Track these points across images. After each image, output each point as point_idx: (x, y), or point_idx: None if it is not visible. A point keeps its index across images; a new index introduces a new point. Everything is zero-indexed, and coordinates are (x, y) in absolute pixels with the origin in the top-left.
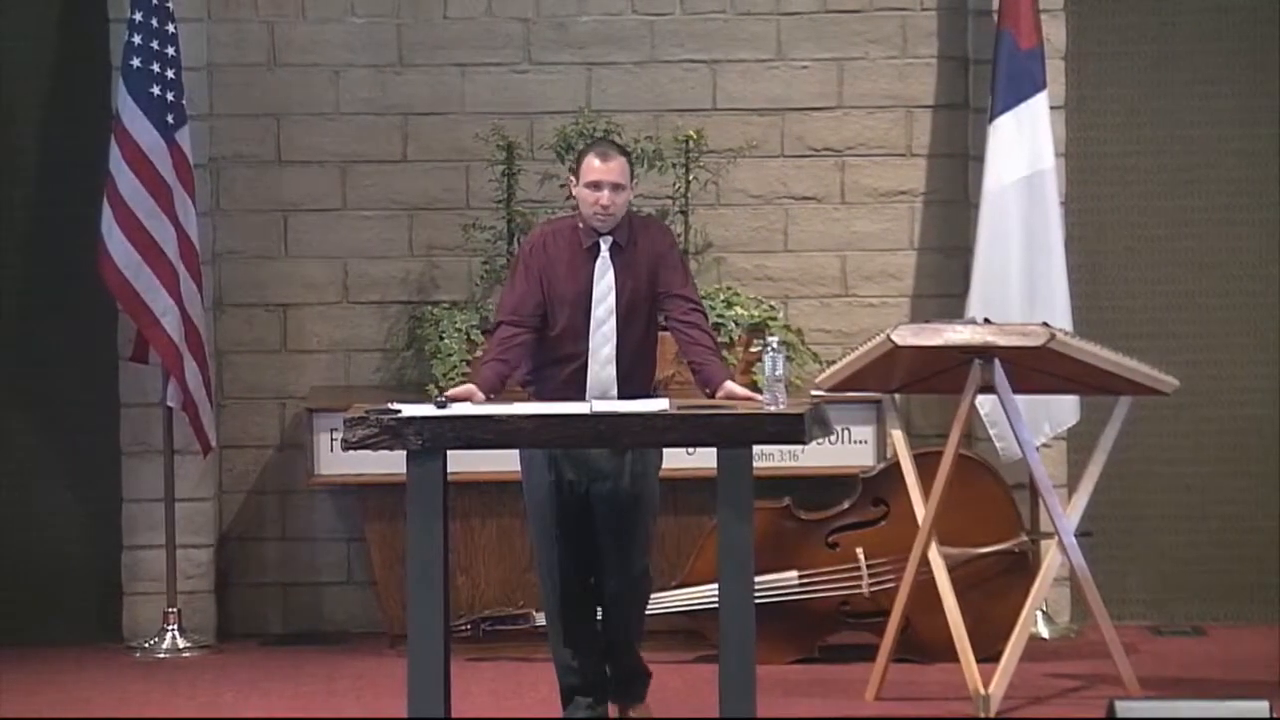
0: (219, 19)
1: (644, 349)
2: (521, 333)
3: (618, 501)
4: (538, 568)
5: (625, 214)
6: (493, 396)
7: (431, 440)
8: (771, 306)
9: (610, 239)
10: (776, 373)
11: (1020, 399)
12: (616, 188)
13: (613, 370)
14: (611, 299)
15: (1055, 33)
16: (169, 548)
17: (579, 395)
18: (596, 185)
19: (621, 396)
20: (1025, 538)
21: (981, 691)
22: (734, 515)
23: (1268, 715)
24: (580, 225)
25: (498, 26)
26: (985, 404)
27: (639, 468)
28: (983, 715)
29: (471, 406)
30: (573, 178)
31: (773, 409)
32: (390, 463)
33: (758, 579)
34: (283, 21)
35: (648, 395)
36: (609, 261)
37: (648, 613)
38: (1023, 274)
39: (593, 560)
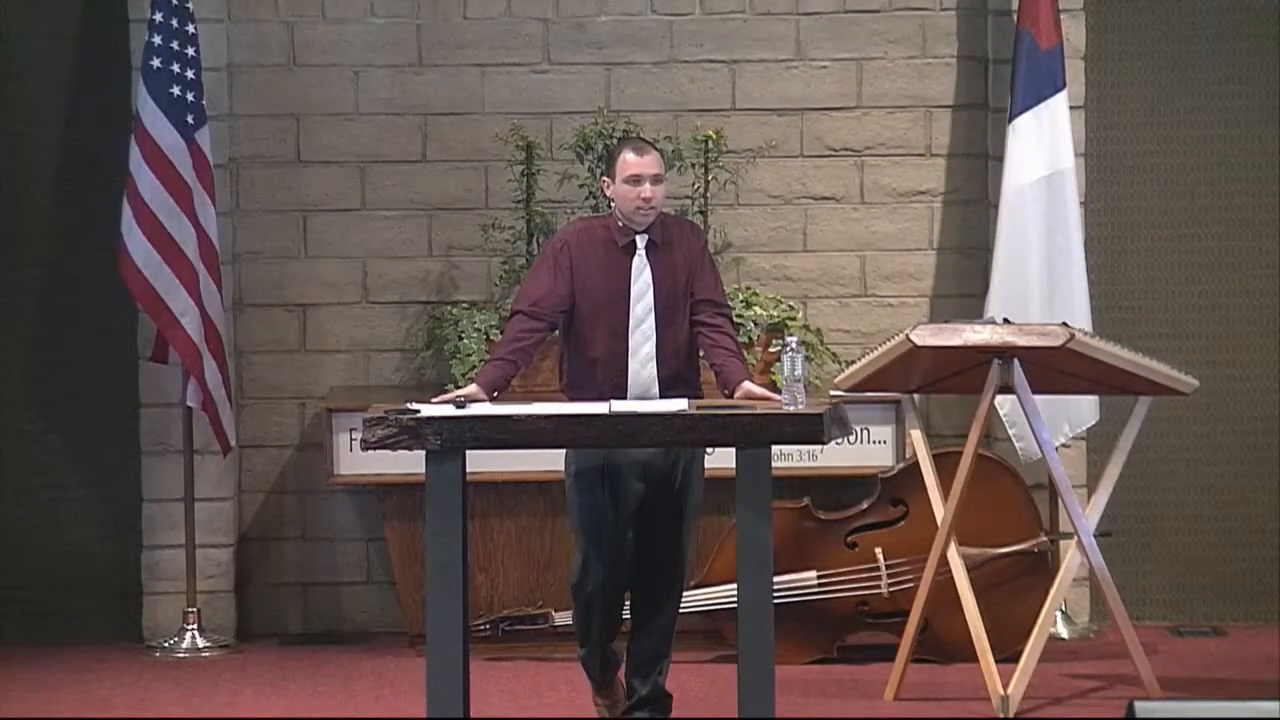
0: (239, 19)
1: (686, 348)
2: (536, 329)
3: (669, 501)
4: (577, 584)
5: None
6: (496, 396)
7: (450, 440)
8: (790, 306)
9: (645, 237)
10: (795, 373)
11: (1039, 399)
12: (657, 179)
13: (653, 369)
14: (650, 297)
15: (1075, 32)
16: (189, 547)
17: (621, 396)
18: (637, 179)
19: (666, 397)
20: (1044, 538)
21: (1001, 692)
22: (753, 515)
23: None
24: (612, 224)
25: (517, 27)
26: (1004, 404)
27: (688, 468)
28: (1002, 716)
29: (490, 407)
30: (607, 179)
31: (791, 409)
32: (409, 463)
33: (776, 579)
34: (302, 22)
35: (697, 395)
36: (645, 259)
37: None
38: (1042, 274)
39: (630, 576)
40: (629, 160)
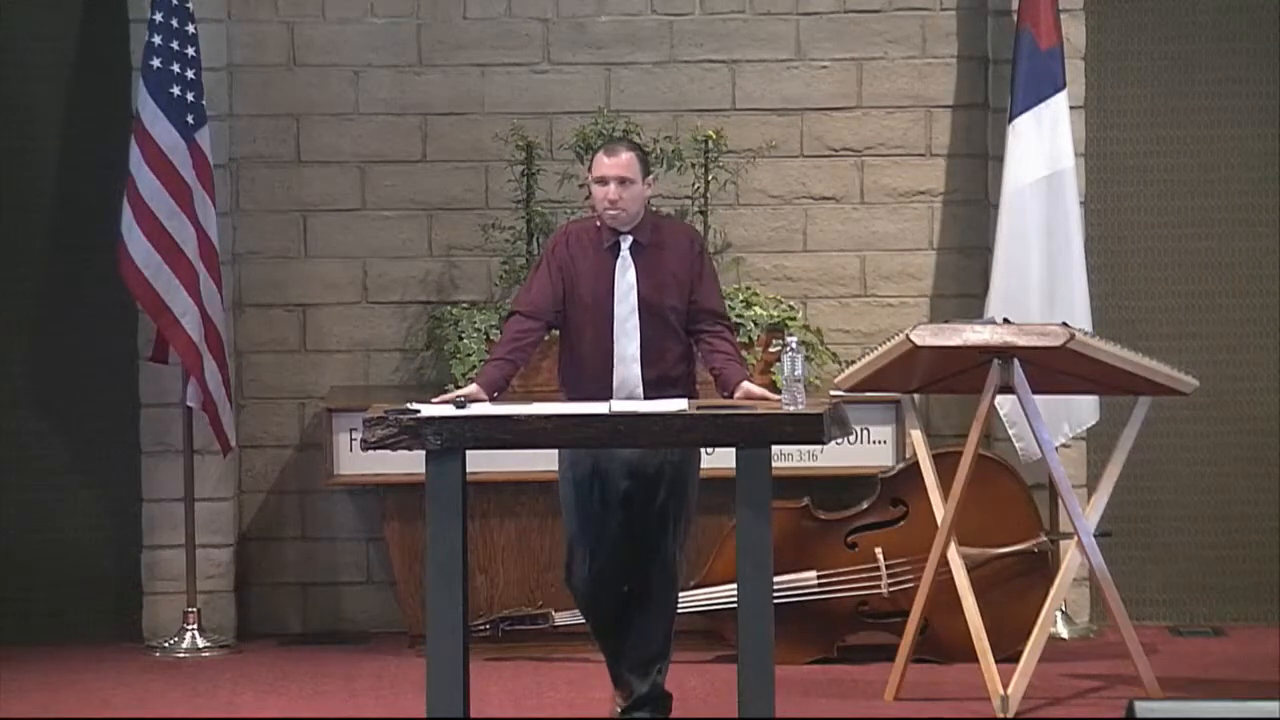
0: (239, 19)
1: (678, 351)
2: (533, 328)
3: (659, 500)
4: (566, 576)
5: (647, 213)
6: (496, 396)
7: (450, 440)
8: (790, 306)
9: (630, 238)
10: (795, 373)
11: (1039, 399)
12: (623, 182)
13: (637, 369)
14: (633, 297)
15: (1075, 32)
16: (189, 547)
17: (609, 396)
18: (603, 180)
19: (653, 397)
20: (1044, 538)
21: (1001, 692)
22: (753, 515)
23: None
24: (600, 225)
25: (517, 27)
26: (1004, 404)
27: (680, 467)
28: (1002, 716)
29: (490, 407)
30: (589, 176)
31: (791, 409)
32: (409, 463)
33: (776, 579)
34: (302, 22)
35: (692, 397)
36: (629, 260)
37: None
38: (1042, 274)
39: (622, 573)
40: (600, 160)
